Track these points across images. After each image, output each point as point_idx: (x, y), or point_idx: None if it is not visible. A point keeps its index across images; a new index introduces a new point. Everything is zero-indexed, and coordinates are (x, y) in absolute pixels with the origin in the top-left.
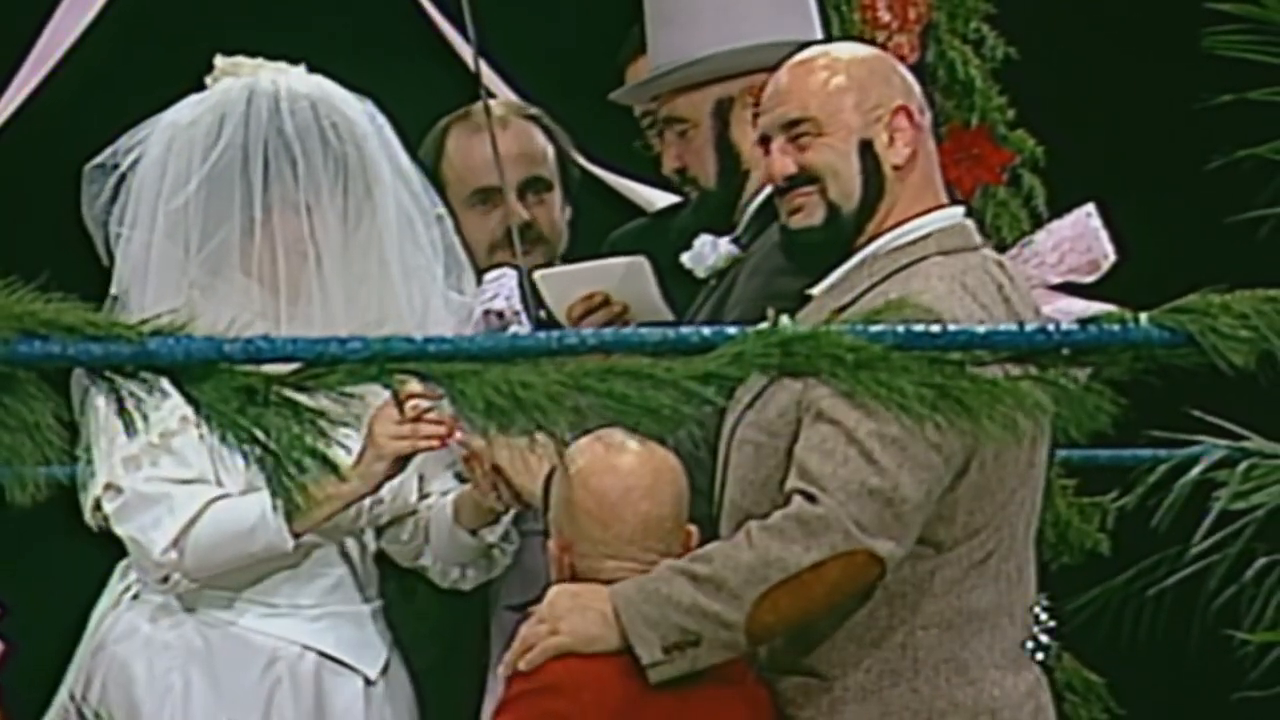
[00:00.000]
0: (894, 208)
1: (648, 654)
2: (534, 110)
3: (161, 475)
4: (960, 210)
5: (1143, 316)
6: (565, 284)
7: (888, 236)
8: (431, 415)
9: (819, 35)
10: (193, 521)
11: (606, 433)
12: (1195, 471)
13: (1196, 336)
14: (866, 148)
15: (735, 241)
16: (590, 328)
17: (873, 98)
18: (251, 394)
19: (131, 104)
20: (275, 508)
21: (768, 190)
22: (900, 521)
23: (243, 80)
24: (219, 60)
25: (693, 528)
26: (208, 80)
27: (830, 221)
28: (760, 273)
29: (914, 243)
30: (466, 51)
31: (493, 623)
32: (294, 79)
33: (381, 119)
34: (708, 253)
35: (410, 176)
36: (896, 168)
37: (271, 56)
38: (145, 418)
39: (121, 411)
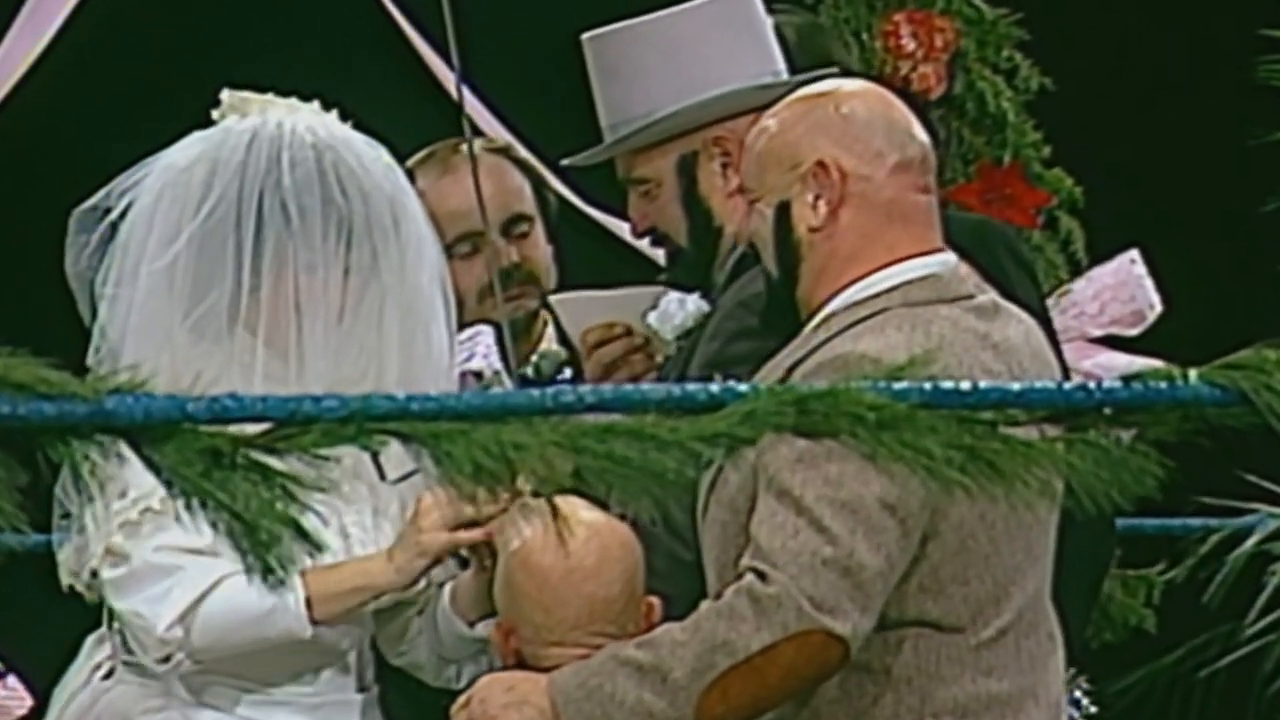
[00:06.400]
0: (827, 269)
1: None
2: (501, 143)
3: (172, 544)
4: (943, 259)
5: (1191, 373)
6: (583, 310)
7: (849, 291)
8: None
9: (779, 64)
10: (203, 597)
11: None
12: (1250, 543)
13: (1250, 395)
14: (783, 211)
15: (708, 298)
16: (606, 356)
17: (800, 152)
18: (218, 457)
19: (103, 143)
20: (286, 589)
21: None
22: (862, 591)
23: (247, 122)
24: (225, 95)
25: (654, 600)
26: (214, 114)
27: (770, 284)
28: (719, 335)
29: (876, 295)
30: (450, 80)
31: None
32: (303, 121)
33: (398, 170)
34: (674, 311)
35: (424, 232)
36: (814, 229)
37: (250, 84)
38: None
39: (76, 479)
